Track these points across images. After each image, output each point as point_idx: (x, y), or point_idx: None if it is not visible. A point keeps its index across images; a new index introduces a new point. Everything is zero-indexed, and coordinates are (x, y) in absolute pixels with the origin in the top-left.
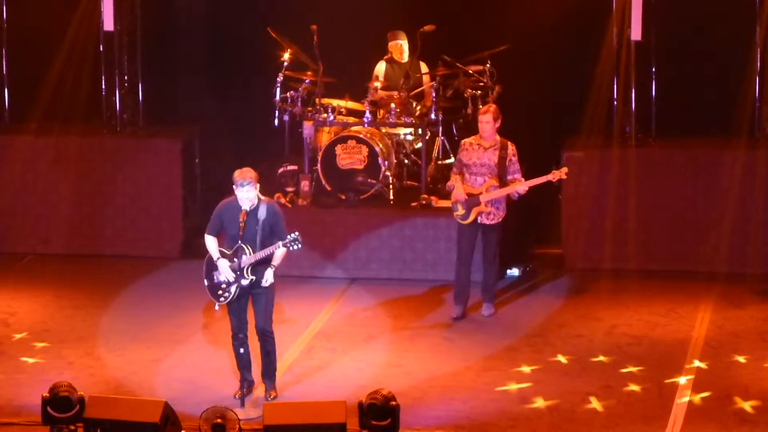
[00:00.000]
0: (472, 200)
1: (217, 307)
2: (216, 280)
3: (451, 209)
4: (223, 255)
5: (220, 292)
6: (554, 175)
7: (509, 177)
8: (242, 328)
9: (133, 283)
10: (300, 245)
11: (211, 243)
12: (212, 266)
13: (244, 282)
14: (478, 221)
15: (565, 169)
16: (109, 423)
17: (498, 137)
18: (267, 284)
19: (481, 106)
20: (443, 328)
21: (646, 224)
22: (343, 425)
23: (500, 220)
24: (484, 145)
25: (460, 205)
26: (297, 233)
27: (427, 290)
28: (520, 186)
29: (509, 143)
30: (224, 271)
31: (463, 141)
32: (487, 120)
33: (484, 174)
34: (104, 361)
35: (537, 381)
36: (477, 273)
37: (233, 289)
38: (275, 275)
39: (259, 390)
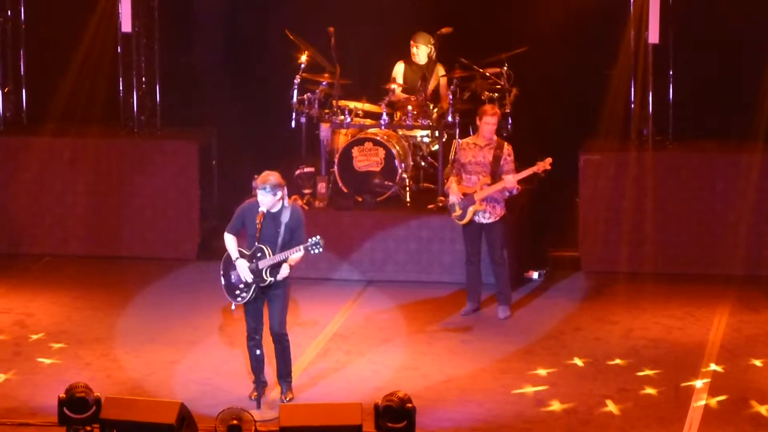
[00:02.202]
0: (467, 199)
1: (233, 307)
2: (233, 280)
3: (450, 208)
4: (242, 255)
5: (238, 292)
6: (538, 167)
7: (503, 176)
8: (258, 329)
9: (150, 284)
10: (321, 249)
11: (230, 242)
12: (230, 265)
13: (263, 284)
14: (476, 221)
15: (549, 160)
16: (126, 424)
17: (495, 137)
18: (280, 277)
19: (488, 107)
20: (459, 330)
21: (663, 227)
22: (359, 427)
23: (498, 218)
24: (480, 143)
25: (457, 206)
26: (319, 237)
27: (443, 292)
28: (507, 180)
29: (505, 143)
30: (243, 272)
31: (461, 141)
32: (493, 122)
33: (479, 172)
34: (121, 362)
35: (553, 384)
36: (491, 276)
37: (251, 290)
38: (292, 277)
39: (276, 391)
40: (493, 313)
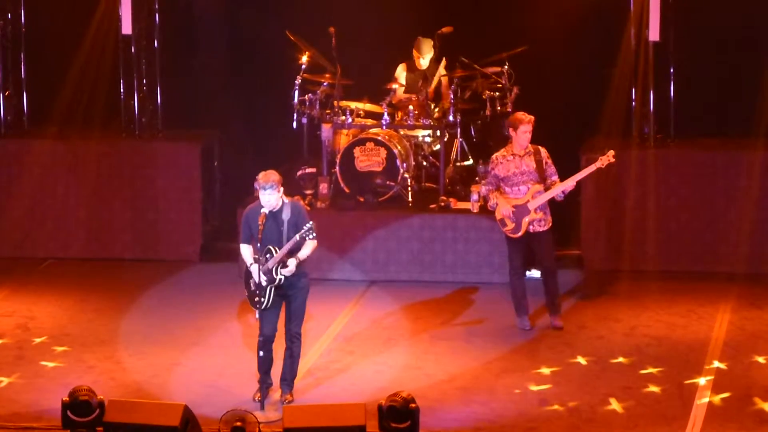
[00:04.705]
0: (520, 211)
1: (257, 316)
2: (252, 288)
3: (499, 223)
4: (255, 261)
5: (257, 298)
6: (601, 161)
7: (548, 180)
8: (270, 331)
9: (153, 286)
10: (314, 233)
11: (245, 251)
12: (249, 275)
13: (275, 283)
14: (530, 231)
15: (611, 152)
16: (129, 427)
17: (528, 144)
18: (287, 273)
19: (522, 116)
20: (462, 330)
21: (665, 225)
22: (363, 428)
23: (551, 225)
24: (519, 153)
25: (507, 220)
26: (311, 222)
27: (446, 292)
28: (569, 183)
29: (540, 147)
30: (256, 276)
31: (493, 156)
32: (530, 130)
33: (527, 181)
34: (124, 365)
35: (557, 383)
36: (494, 275)
37: (267, 292)
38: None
39: (279, 392)
40: (495, 313)
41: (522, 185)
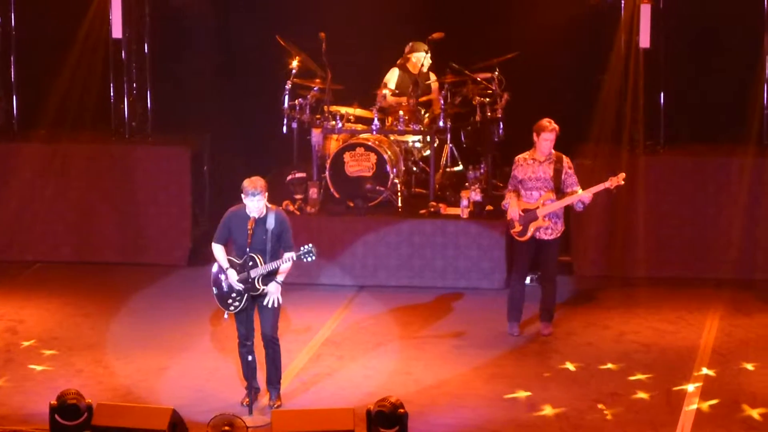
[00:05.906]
0: (528, 215)
1: (226, 316)
2: (225, 290)
3: (508, 225)
4: (231, 264)
5: (230, 301)
6: (611, 182)
7: (567, 190)
8: (249, 335)
9: (141, 290)
10: (314, 257)
11: (218, 252)
12: (220, 275)
13: (255, 292)
14: (537, 237)
15: (622, 175)
16: (117, 431)
17: (552, 151)
18: (271, 304)
19: (546, 122)
20: (451, 335)
21: (655, 231)
22: None
23: (559, 235)
24: (539, 159)
25: (516, 222)
26: (311, 245)
27: (435, 298)
28: (585, 193)
29: (564, 156)
30: (234, 282)
31: (516, 157)
32: (552, 138)
33: (540, 188)
34: (112, 369)
35: (545, 388)
36: (483, 280)
37: (244, 298)
38: (282, 282)
39: (266, 397)
40: (484, 319)
41: (535, 191)
